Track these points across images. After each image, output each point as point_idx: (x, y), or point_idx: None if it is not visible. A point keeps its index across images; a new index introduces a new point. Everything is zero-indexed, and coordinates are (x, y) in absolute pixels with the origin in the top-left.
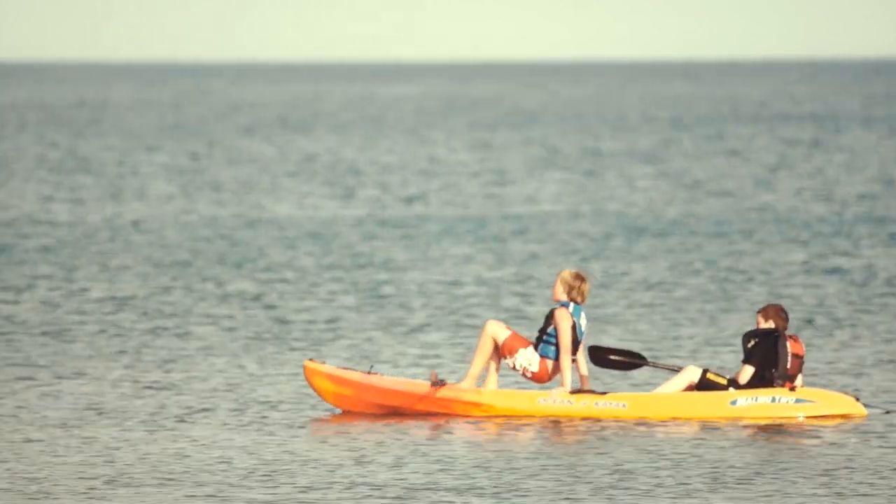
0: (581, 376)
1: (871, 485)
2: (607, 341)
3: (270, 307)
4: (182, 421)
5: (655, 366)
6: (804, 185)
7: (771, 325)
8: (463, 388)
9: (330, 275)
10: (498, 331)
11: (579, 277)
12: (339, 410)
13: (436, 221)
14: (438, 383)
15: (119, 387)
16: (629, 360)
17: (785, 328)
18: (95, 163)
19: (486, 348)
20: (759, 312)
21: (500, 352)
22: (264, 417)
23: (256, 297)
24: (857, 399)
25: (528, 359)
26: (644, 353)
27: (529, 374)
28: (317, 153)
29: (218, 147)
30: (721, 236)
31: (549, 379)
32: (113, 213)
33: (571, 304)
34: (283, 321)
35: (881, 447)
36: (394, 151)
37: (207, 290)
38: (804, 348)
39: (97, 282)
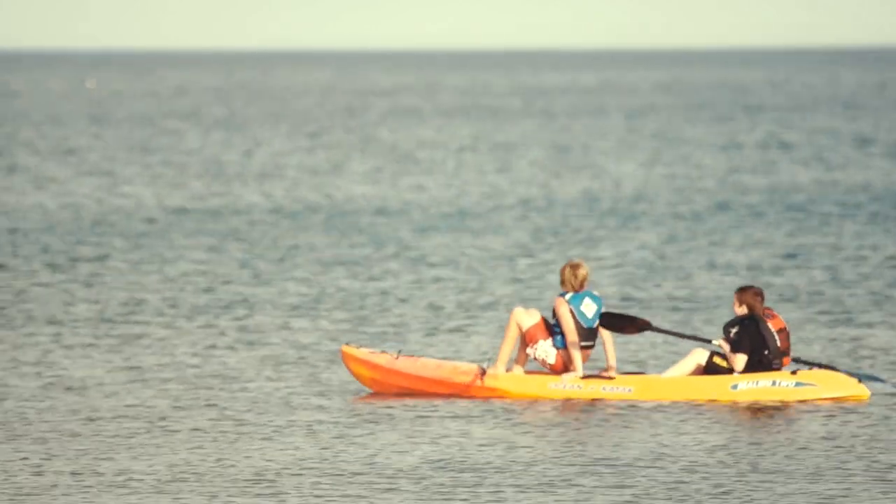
0: (608, 366)
1: (871, 465)
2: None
3: (314, 289)
4: (212, 405)
5: (660, 331)
6: None
7: (744, 309)
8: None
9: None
10: (523, 319)
11: (572, 266)
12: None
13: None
14: (484, 371)
15: (158, 373)
16: (636, 324)
17: (761, 308)
18: None
19: (512, 335)
20: (735, 294)
21: (524, 339)
22: (304, 400)
23: (302, 280)
24: (860, 381)
25: (545, 351)
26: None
27: (548, 366)
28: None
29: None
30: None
31: (569, 371)
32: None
33: (570, 294)
34: (326, 303)
35: (883, 428)
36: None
37: (261, 271)
38: (784, 320)
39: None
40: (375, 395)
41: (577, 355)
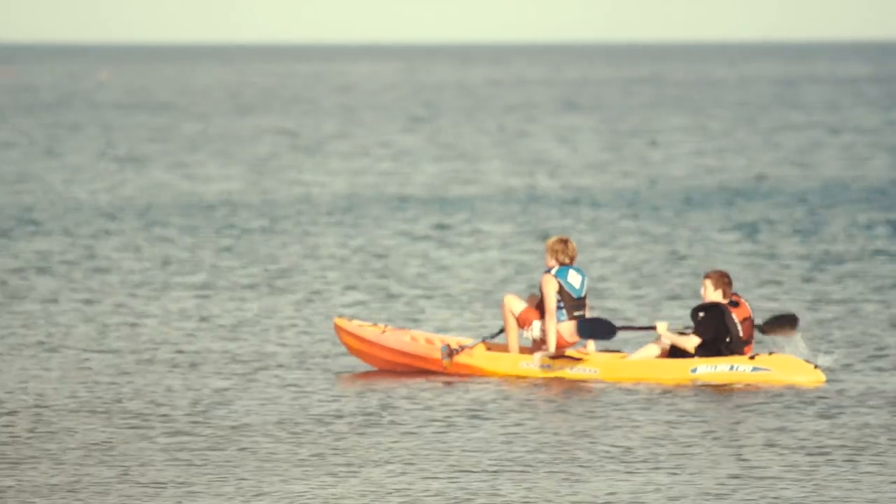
0: (585, 350)
1: (824, 448)
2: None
3: (317, 267)
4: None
5: (630, 328)
6: None
7: (719, 294)
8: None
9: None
10: (513, 305)
11: (562, 241)
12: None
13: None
14: (450, 353)
15: (161, 343)
16: (613, 331)
17: (728, 292)
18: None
19: (510, 322)
20: (704, 278)
21: (518, 325)
22: (299, 369)
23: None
24: (816, 366)
25: (541, 330)
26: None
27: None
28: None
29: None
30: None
31: (570, 343)
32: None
33: (556, 268)
34: (329, 279)
35: (834, 413)
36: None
37: (260, 251)
38: (750, 308)
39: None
40: (359, 372)
41: (553, 333)
